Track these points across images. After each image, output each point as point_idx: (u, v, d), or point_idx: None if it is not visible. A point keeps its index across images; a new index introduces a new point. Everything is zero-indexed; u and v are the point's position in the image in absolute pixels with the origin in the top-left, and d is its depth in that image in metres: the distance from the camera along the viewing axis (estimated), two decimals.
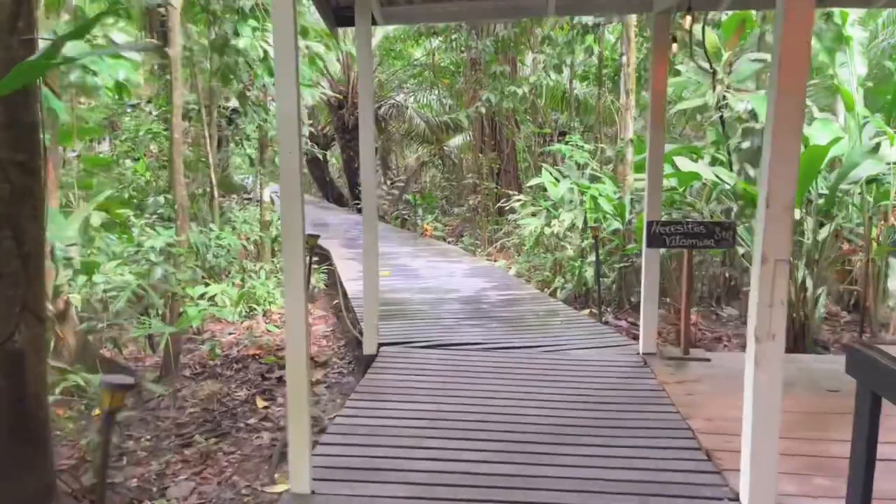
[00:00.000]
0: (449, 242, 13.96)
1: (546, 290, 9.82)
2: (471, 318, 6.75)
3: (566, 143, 10.91)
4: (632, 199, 8.62)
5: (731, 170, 8.06)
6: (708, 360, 5.34)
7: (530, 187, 12.04)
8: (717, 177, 7.09)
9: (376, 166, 26.85)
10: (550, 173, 10.28)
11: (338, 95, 19.72)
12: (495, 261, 12.58)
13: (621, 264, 8.78)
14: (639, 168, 8.95)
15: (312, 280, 9.81)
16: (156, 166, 12.60)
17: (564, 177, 10.70)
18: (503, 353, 5.56)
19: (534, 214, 10.55)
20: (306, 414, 3.35)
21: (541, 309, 7.24)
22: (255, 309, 8.52)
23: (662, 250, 5.76)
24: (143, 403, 5.78)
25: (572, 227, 9.49)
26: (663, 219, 5.46)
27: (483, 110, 12.33)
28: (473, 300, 7.64)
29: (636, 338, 7.92)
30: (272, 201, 12.59)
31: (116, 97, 5.33)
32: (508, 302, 7.55)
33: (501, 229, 13.54)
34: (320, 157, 17.47)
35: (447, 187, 22.18)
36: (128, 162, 14.21)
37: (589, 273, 8.98)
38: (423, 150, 23.98)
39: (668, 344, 7.00)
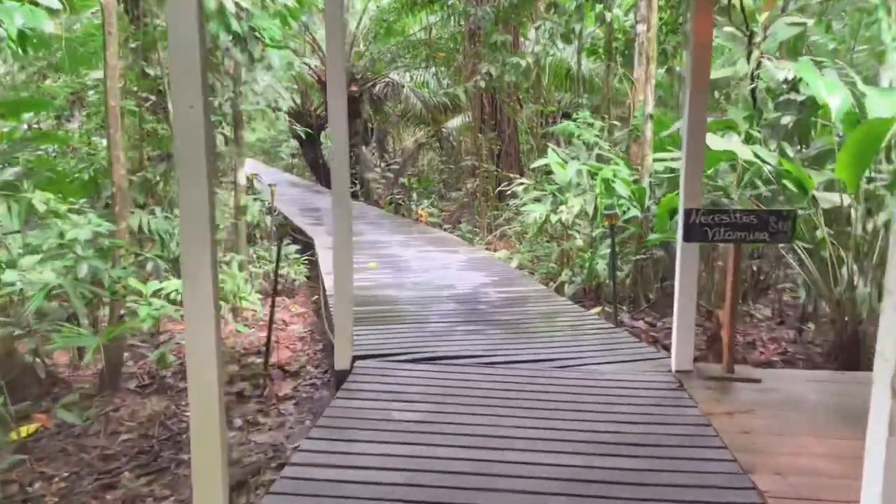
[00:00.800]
0: (445, 229, 12.92)
1: (552, 283, 8.81)
2: (466, 322, 5.73)
3: (574, 120, 9.82)
4: (651, 182, 7.57)
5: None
6: (758, 380, 4.32)
7: (533, 170, 10.97)
8: (757, 156, 6.04)
9: (372, 149, 25.88)
10: (557, 154, 9.22)
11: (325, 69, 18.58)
12: (495, 250, 11.55)
13: (638, 256, 7.76)
14: (658, 147, 7.89)
15: (291, 272, 8.80)
16: (125, 146, 11.55)
17: (572, 158, 9.65)
18: (505, 370, 4.54)
19: (538, 199, 9.50)
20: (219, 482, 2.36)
21: (548, 309, 6.23)
22: (221, 306, 7.48)
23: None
24: (68, 428, 4.77)
25: (581, 213, 8.46)
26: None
27: (482, 84, 11.22)
28: (470, 299, 6.62)
29: (656, 341, 6.94)
30: (250, 183, 11.56)
31: (20, 51, 4.30)
32: (510, 301, 6.54)
33: (502, 215, 12.50)
34: (303, 135, 16.38)
35: (445, 170, 21.10)
36: (104, 142, 13.16)
37: (601, 266, 7.96)
38: (420, 132, 22.91)
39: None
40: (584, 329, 5.57)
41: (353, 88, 20.16)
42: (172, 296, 7.25)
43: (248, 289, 7.85)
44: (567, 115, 13.36)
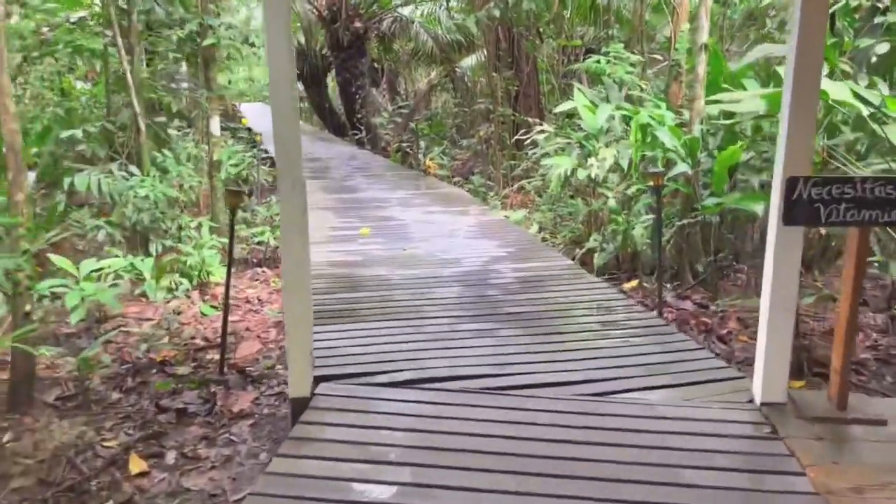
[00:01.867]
0: (456, 182, 11.53)
1: (577, 249, 7.50)
2: (472, 318, 4.45)
3: (605, 55, 8.31)
4: (703, 130, 6.12)
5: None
6: (882, 422, 3.03)
7: (556, 114, 9.49)
8: (857, 96, 4.59)
9: (382, 91, 24.28)
10: (585, 95, 7.76)
11: None
12: (511, 206, 10.20)
13: (685, 220, 6.38)
14: (712, 88, 6.38)
15: (272, 240, 7.54)
16: (100, 92, 10.40)
17: (602, 99, 8.17)
18: (519, 402, 3.28)
19: (562, 149, 8.09)
20: None
21: (577, 297, 4.93)
22: (181, 284, 6.29)
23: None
24: None
25: (615, 167, 7.06)
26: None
27: (496, 13, 9.65)
28: (479, 280, 5.34)
29: (709, 330, 5.61)
30: (233, 132, 10.29)
31: None
32: (529, 283, 5.25)
33: (519, 165, 11.07)
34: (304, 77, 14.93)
35: (459, 114, 19.55)
36: (85, 85, 11.91)
37: (638, 231, 6.61)
38: (434, 73, 21.27)
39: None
40: (625, 329, 4.27)
41: (358, 24, 18.56)
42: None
43: (215, 262, 6.63)
44: (591, 52, 11.78)
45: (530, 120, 10.47)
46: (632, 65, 8.51)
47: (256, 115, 26.58)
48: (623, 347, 3.94)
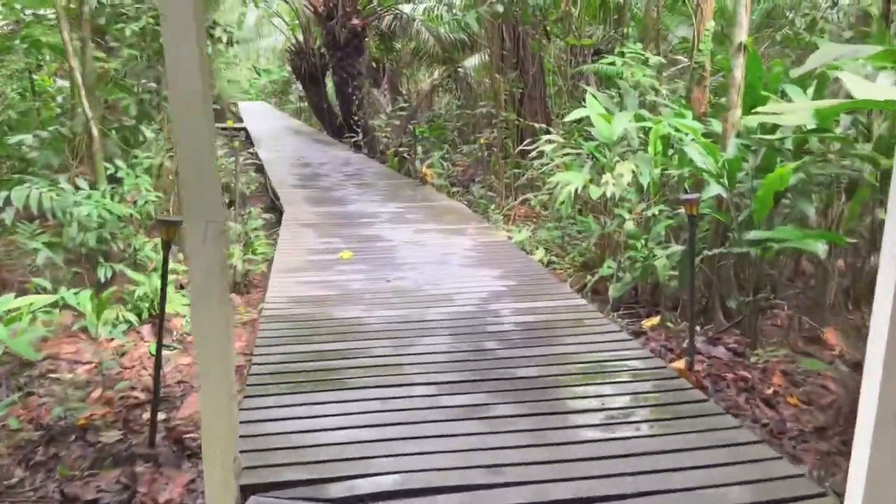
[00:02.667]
0: (455, 192, 10.58)
1: (589, 276, 6.59)
2: (461, 385, 3.53)
3: (621, 54, 7.39)
4: (742, 146, 5.18)
5: None
6: None
7: (566, 122, 8.57)
8: None
9: (384, 91, 23.38)
10: (598, 101, 6.84)
11: None
12: (514, 220, 9.29)
13: (717, 250, 5.45)
14: (749, 95, 5.44)
15: (238, 265, 6.61)
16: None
17: (616, 104, 7.27)
18: None
19: (572, 160, 7.18)
20: None
21: (593, 354, 3.99)
22: (121, 322, 5.39)
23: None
24: None
25: (633, 183, 6.14)
26: None
27: (500, 9, 8.73)
28: (472, 326, 4.41)
29: (749, 386, 4.68)
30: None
31: None
32: (533, 331, 4.33)
33: (523, 174, 10.15)
34: (287, 73, 14.02)
35: (462, 116, 18.63)
36: (62, 82, 11.08)
37: (661, 262, 5.67)
38: (437, 74, 20.38)
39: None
40: (657, 405, 3.34)
41: (356, 21, 17.63)
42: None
43: (169, 292, 5.73)
44: (598, 53, 10.88)
45: (535, 124, 9.55)
46: (646, 65, 7.59)
47: (256, 114, 25.69)
48: (656, 438, 3.01)
